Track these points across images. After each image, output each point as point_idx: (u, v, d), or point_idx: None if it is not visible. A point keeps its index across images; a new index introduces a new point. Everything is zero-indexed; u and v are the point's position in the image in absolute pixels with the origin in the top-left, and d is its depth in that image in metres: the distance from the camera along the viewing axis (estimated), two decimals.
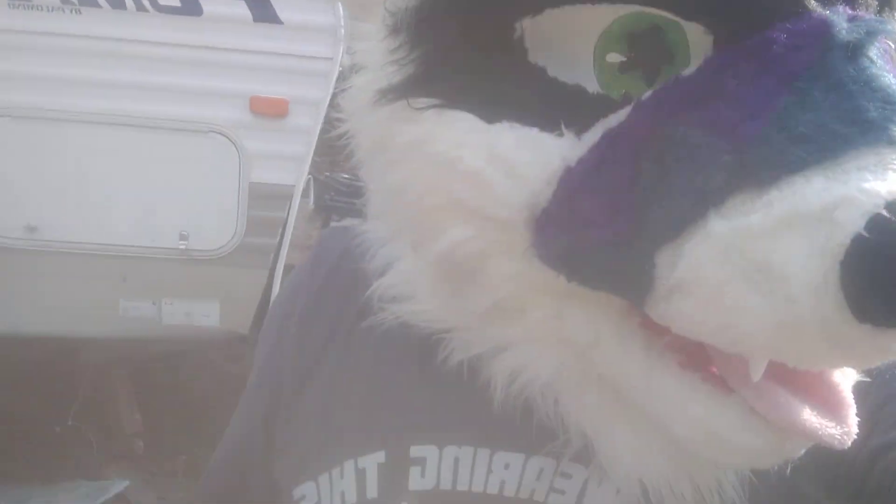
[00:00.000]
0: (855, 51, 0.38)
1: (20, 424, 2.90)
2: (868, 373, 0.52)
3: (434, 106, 0.44)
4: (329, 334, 0.63)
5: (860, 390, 0.52)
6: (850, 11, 0.40)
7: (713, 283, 0.37)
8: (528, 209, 0.42)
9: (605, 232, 0.40)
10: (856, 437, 0.51)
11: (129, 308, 2.58)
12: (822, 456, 0.48)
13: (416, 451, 0.55)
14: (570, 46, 0.43)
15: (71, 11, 2.45)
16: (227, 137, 2.52)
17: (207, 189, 2.53)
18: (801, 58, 0.38)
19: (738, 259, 0.36)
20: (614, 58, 0.42)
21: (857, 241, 0.33)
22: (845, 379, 0.44)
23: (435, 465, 0.54)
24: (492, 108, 0.43)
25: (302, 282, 0.67)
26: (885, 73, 0.38)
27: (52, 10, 2.44)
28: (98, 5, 2.44)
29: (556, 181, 0.41)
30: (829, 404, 0.42)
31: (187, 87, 2.53)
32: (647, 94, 0.41)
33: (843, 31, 0.38)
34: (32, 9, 2.43)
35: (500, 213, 0.43)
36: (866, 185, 0.34)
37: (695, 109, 0.39)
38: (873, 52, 0.38)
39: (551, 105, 0.42)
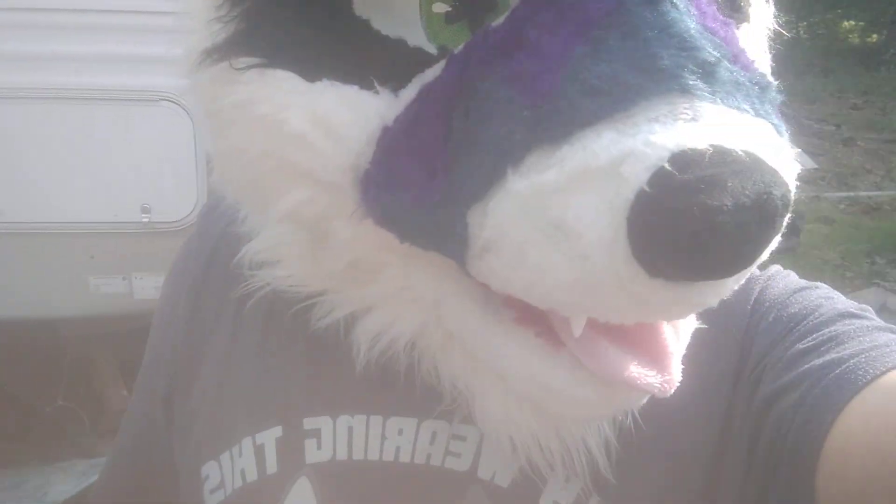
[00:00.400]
0: None
1: (10, 408, 2.91)
2: (753, 319, 0.52)
3: (255, 66, 0.42)
4: (218, 309, 0.62)
5: (743, 340, 0.51)
6: None
7: (516, 242, 0.37)
8: (352, 171, 0.41)
9: (422, 192, 0.40)
10: (748, 388, 0.50)
11: (99, 285, 2.57)
12: (713, 409, 0.48)
13: (309, 423, 0.55)
14: None
15: None
16: (178, 105, 2.46)
17: (164, 159, 2.49)
18: (600, 5, 0.36)
19: (537, 217, 0.36)
20: (440, 7, 0.40)
21: (641, 196, 0.33)
22: (674, 328, 0.44)
23: (330, 436, 0.54)
24: (313, 66, 0.41)
25: (190, 254, 0.66)
26: (685, 18, 0.36)
27: None
28: None
29: (375, 141, 0.40)
30: (652, 353, 0.42)
31: (133, 55, 2.45)
32: (460, 47, 0.39)
33: None
34: None
35: (328, 176, 0.42)
36: (653, 138, 0.33)
37: (499, 63, 0.38)
38: None
39: (371, 61, 0.41)
